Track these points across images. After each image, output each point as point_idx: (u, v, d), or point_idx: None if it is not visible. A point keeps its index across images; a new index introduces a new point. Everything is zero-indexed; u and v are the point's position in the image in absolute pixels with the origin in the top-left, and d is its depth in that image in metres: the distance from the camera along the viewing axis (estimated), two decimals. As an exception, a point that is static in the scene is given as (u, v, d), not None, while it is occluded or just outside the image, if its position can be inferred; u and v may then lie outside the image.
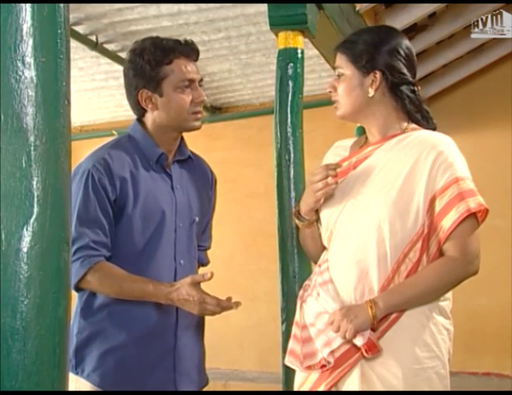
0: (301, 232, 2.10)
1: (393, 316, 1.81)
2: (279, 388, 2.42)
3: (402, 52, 1.94)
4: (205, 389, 2.21)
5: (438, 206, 1.82)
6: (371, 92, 1.92)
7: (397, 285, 1.82)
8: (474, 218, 1.83)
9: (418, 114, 1.96)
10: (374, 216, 1.85)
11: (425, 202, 1.82)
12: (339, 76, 1.96)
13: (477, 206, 1.81)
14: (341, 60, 1.96)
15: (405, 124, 1.95)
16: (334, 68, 2.00)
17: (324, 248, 2.01)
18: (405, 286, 1.81)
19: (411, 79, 1.95)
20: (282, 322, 2.35)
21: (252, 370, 5.89)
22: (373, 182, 1.90)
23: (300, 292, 2.01)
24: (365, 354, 1.78)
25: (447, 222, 1.80)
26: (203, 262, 2.30)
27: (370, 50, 1.92)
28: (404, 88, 1.93)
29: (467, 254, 1.82)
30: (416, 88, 1.96)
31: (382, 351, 1.79)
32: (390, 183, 1.86)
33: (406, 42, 1.98)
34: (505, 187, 5.24)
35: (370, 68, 1.92)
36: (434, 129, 1.97)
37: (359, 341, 1.78)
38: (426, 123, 1.97)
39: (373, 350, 1.77)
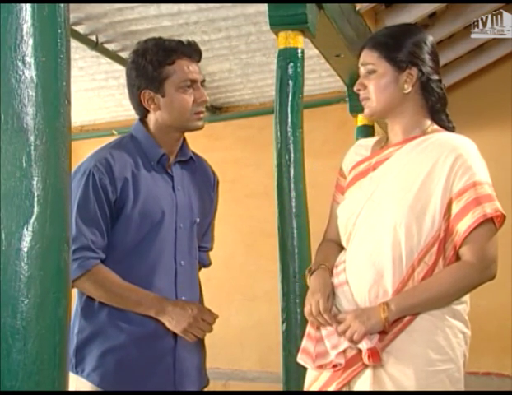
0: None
1: (407, 318, 1.79)
2: (279, 387, 2.42)
3: (432, 48, 1.94)
4: (205, 389, 2.21)
5: (454, 209, 1.80)
6: (408, 88, 1.89)
7: (411, 289, 1.80)
8: (492, 223, 1.80)
9: (443, 114, 1.95)
10: (390, 218, 1.83)
11: (442, 205, 1.80)
12: (369, 73, 1.90)
13: (493, 211, 1.79)
14: (371, 57, 1.91)
15: (427, 124, 1.93)
16: (362, 65, 1.93)
17: (342, 248, 2.00)
18: (419, 290, 1.79)
19: (439, 76, 1.94)
20: (282, 322, 2.35)
21: (252, 370, 5.89)
22: (391, 184, 1.88)
23: None
24: (366, 360, 1.76)
25: (462, 226, 1.78)
26: (205, 263, 2.30)
27: (405, 46, 1.89)
28: (435, 85, 1.91)
29: (484, 259, 1.79)
30: (443, 85, 1.95)
31: (384, 363, 1.77)
32: (408, 186, 1.84)
33: (432, 38, 1.99)
34: (505, 187, 5.23)
35: (405, 64, 1.88)
36: (453, 130, 1.96)
37: (365, 344, 1.76)
38: (448, 123, 1.96)
39: (375, 357, 1.75)
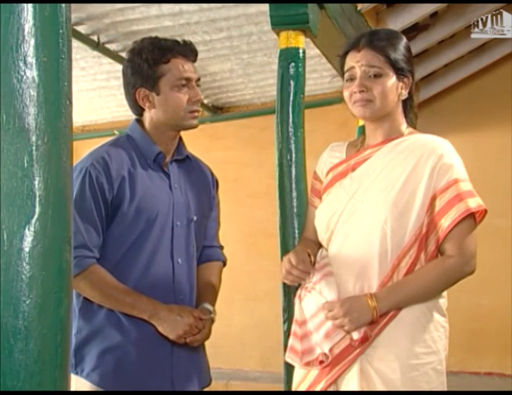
0: None
1: (392, 312, 1.84)
2: (281, 387, 2.42)
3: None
4: (206, 389, 2.21)
5: (438, 205, 1.86)
6: (405, 95, 1.96)
7: (396, 284, 1.85)
8: (472, 219, 1.87)
9: (409, 116, 2.05)
10: (375, 215, 1.88)
11: (424, 201, 1.86)
12: (375, 76, 1.91)
13: (476, 206, 1.85)
14: (377, 60, 1.92)
15: (405, 127, 2.00)
16: (364, 66, 1.92)
17: (320, 246, 2.04)
18: (404, 285, 1.85)
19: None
20: (284, 322, 2.35)
21: (254, 370, 5.89)
22: (373, 183, 1.93)
23: (298, 291, 2.02)
24: (355, 345, 1.82)
25: (446, 221, 1.84)
26: (221, 259, 2.33)
27: (405, 54, 1.95)
28: (411, 95, 2.00)
29: (465, 255, 1.85)
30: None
31: (370, 358, 1.83)
32: (391, 185, 1.89)
33: None
34: (505, 187, 5.24)
35: (405, 72, 1.95)
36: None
37: (354, 335, 1.82)
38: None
39: (364, 341, 1.82)
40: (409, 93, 1.98)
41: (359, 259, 1.88)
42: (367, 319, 1.81)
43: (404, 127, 2.00)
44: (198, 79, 2.14)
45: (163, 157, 2.12)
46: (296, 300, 2.00)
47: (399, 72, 1.93)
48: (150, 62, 2.05)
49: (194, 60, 2.14)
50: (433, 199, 1.86)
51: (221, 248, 2.36)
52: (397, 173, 1.90)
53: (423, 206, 1.85)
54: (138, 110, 2.14)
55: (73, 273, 1.88)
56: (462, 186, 1.85)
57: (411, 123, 2.05)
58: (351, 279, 1.88)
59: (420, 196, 1.86)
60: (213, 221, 2.32)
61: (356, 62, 1.94)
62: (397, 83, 1.94)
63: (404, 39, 2.00)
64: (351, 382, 1.85)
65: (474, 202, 1.84)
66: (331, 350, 1.84)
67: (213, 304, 2.18)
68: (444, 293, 1.93)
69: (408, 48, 1.99)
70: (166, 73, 2.06)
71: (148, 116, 2.12)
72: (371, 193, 1.92)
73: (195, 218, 2.17)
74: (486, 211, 1.87)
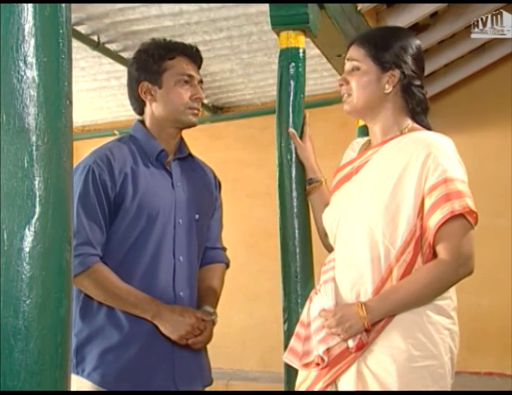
0: (315, 201, 2.25)
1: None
2: (281, 387, 2.42)
3: (418, 54, 1.97)
4: (207, 389, 2.21)
5: (426, 206, 1.80)
6: (389, 89, 1.92)
7: (388, 291, 1.82)
8: (464, 220, 1.79)
9: (424, 116, 1.98)
10: (367, 219, 1.86)
11: (415, 204, 1.81)
12: (353, 69, 1.94)
13: (461, 208, 1.77)
14: (358, 53, 1.95)
15: (406, 124, 1.95)
16: (347, 60, 1.98)
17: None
18: (396, 292, 1.81)
19: (421, 81, 1.97)
20: (284, 322, 2.35)
21: (254, 370, 5.89)
22: (369, 185, 1.91)
23: (311, 292, 2.03)
24: (352, 351, 1.82)
25: (432, 222, 1.79)
26: (223, 261, 2.35)
27: (392, 47, 1.93)
28: (416, 89, 1.95)
29: (459, 257, 1.78)
30: (425, 91, 1.98)
31: (367, 360, 1.82)
32: (383, 187, 1.86)
33: (420, 44, 2.01)
34: (505, 187, 5.24)
35: (389, 65, 1.92)
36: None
37: (350, 342, 1.82)
38: (428, 124, 1.99)
39: (360, 347, 1.81)
40: (405, 90, 1.93)
41: (354, 264, 1.87)
42: (359, 329, 1.80)
43: (404, 124, 1.95)
44: (201, 81, 2.18)
45: (165, 155, 2.14)
46: (307, 302, 2.01)
47: (381, 65, 1.92)
48: (155, 58, 2.11)
49: (199, 65, 2.19)
50: (423, 200, 1.81)
51: (224, 249, 2.36)
52: (389, 174, 1.86)
53: (414, 208, 1.80)
54: (140, 106, 2.17)
55: (77, 271, 1.91)
56: (450, 186, 1.78)
57: (425, 120, 1.99)
58: (348, 284, 1.88)
59: (410, 198, 1.81)
60: (216, 223, 2.33)
61: (346, 59, 1.99)
62: (381, 76, 1.92)
63: (399, 35, 1.98)
64: (347, 383, 1.84)
65: (459, 204, 1.77)
66: (328, 351, 1.84)
67: (215, 307, 2.19)
68: (449, 294, 1.86)
69: (402, 43, 1.94)
70: (170, 68, 2.11)
71: (149, 111, 2.15)
72: (365, 196, 1.90)
73: (197, 216, 2.18)
74: (475, 212, 1.80)
